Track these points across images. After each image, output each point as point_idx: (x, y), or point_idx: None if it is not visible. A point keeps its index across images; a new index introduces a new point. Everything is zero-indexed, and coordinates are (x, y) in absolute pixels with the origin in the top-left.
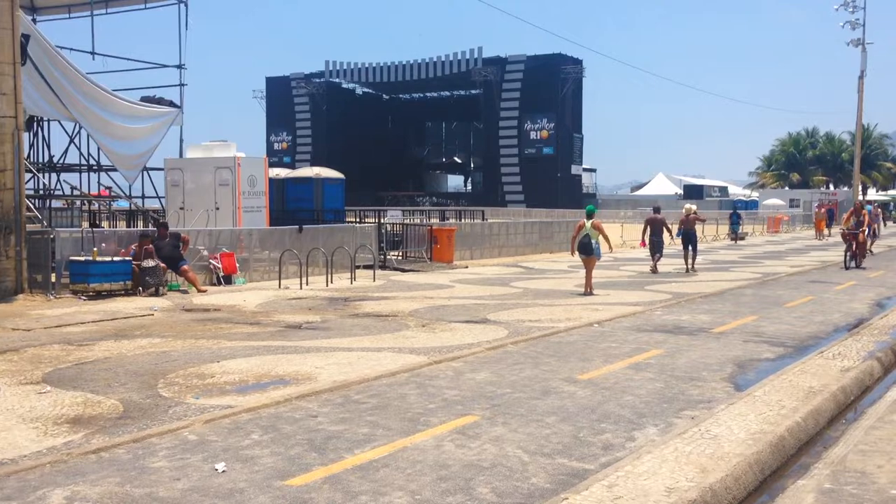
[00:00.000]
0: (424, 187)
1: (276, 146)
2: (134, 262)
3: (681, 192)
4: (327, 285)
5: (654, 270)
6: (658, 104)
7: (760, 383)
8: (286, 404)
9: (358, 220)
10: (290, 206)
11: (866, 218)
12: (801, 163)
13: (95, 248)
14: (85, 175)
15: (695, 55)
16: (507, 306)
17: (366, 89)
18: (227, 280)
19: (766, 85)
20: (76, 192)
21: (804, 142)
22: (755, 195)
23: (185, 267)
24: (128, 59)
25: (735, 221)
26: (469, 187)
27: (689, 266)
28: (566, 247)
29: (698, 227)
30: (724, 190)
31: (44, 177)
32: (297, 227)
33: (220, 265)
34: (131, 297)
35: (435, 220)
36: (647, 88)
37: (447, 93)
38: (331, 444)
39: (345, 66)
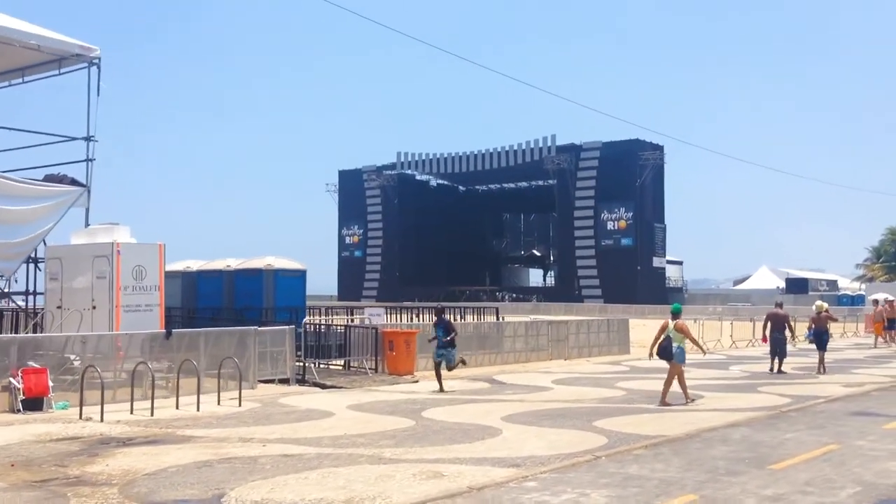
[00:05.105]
0: (502, 282)
1: (347, 240)
2: None
3: (783, 285)
4: (152, 414)
5: (779, 370)
6: (757, 191)
7: None
8: None
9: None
10: (238, 303)
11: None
12: None
13: None
14: None
15: (792, 136)
16: (313, 462)
17: (441, 181)
18: (34, 405)
19: (878, 167)
20: None
21: None
22: (863, 289)
23: None
24: (20, 131)
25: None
26: (551, 282)
27: (819, 368)
28: (587, 351)
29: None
30: (833, 284)
31: None
32: (164, 332)
33: (20, 386)
34: None
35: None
36: (743, 175)
37: (524, 183)
38: None
39: (416, 157)
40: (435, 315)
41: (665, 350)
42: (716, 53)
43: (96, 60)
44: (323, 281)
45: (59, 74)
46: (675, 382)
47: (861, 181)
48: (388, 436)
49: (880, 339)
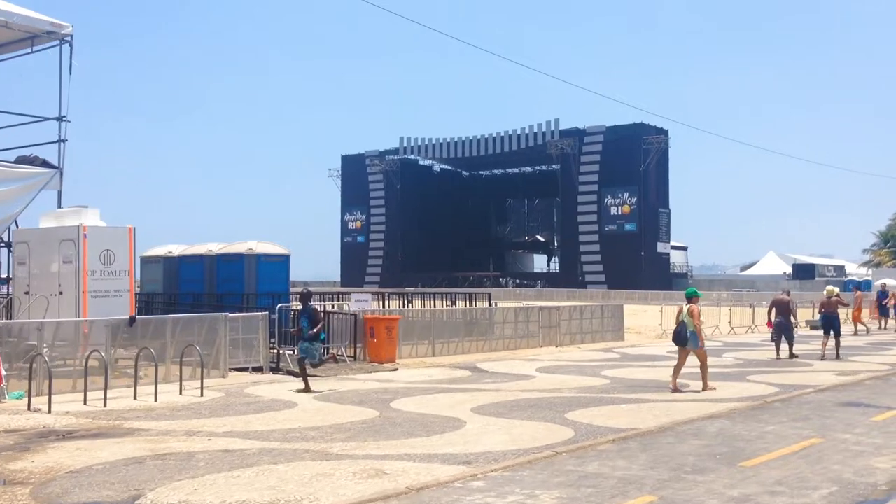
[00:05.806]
0: (506, 268)
1: (349, 225)
2: None
3: (789, 271)
4: (105, 405)
5: (791, 355)
6: (766, 176)
7: None
8: None
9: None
10: (220, 288)
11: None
12: None
13: None
14: None
15: (800, 121)
16: (253, 459)
17: (444, 166)
18: None
19: (886, 152)
20: None
21: None
22: (870, 274)
23: None
24: None
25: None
26: (555, 267)
27: (836, 354)
28: (579, 338)
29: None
30: (840, 269)
31: None
32: (128, 318)
33: None
34: None
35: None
36: (751, 160)
37: (528, 168)
38: None
39: (419, 142)
40: (300, 301)
41: (678, 335)
42: (722, 37)
43: (68, 38)
44: (326, 267)
45: (32, 53)
46: (679, 368)
47: (869, 166)
48: (344, 429)
49: (874, 325)
